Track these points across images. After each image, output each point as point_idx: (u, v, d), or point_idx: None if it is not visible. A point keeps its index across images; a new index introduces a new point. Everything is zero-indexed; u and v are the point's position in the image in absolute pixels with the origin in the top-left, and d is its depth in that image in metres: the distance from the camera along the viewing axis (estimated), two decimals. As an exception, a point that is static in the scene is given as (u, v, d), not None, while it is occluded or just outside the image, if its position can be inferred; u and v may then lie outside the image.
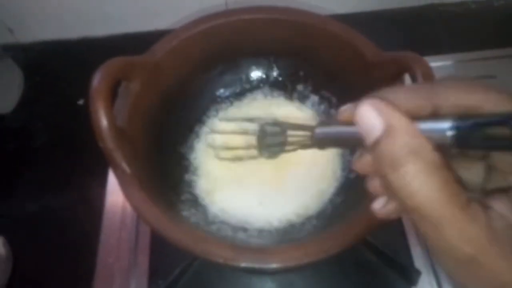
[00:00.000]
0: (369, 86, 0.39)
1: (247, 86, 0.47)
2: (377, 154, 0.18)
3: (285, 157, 0.39)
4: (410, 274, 0.39)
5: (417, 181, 0.17)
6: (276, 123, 0.31)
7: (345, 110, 0.22)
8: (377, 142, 0.18)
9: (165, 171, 0.39)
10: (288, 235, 0.37)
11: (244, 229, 0.37)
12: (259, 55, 0.46)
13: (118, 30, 0.62)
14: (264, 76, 0.47)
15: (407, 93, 0.19)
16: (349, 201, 0.37)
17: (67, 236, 0.47)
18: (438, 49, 0.59)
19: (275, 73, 0.47)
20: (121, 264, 0.43)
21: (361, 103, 0.19)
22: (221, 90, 0.46)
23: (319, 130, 0.25)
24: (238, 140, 0.38)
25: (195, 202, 0.39)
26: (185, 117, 0.44)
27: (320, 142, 0.25)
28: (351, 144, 0.25)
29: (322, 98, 0.45)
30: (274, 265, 0.29)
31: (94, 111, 0.31)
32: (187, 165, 0.42)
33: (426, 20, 0.65)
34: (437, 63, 0.57)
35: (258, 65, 0.47)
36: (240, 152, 0.37)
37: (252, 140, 0.33)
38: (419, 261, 0.41)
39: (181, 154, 0.42)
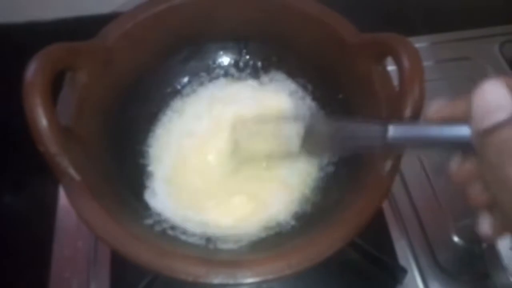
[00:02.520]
0: (347, 71, 0.37)
1: (215, 73, 0.43)
2: (493, 141, 0.15)
3: (258, 159, 0.36)
4: (395, 272, 0.38)
5: None
6: (327, 119, 0.26)
7: (443, 105, 0.19)
8: (498, 126, 0.15)
9: (124, 173, 0.35)
10: (267, 241, 0.33)
11: (216, 237, 0.33)
12: (228, 39, 0.42)
13: (70, 13, 0.56)
14: (233, 62, 0.43)
15: None
16: (329, 200, 0.34)
17: (16, 245, 0.42)
18: (411, 30, 0.57)
19: (245, 59, 0.43)
20: (79, 279, 0.38)
21: (486, 80, 0.16)
22: (185, 79, 0.42)
23: (395, 130, 0.20)
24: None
25: (160, 207, 0.35)
26: (145, 110, 0.39)
27: (394, 146, 0.20)
28: (439, 148, 0.21)
29: (298, 85, 0.42)
30: (250, 280, 0.26)
31: (30, 109, 0.26)
32: (149, 165, 0.38)
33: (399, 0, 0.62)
34: (413, 45, 0.55)
35: (227, 50, 0.42)
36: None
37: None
38: (404, 258, 0.40)
39: (142, 154, 0.38)
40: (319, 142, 0.27)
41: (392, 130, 0.20)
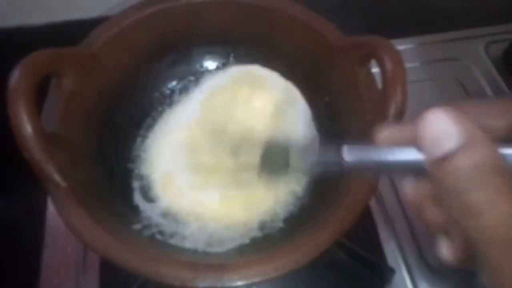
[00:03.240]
0: (333, 74, 0.37)
1: (202, 77, 0.42)
2: (449, 170, 0.15)
3: (246, 160, 0.36)
4: (383, 272, 0.38)
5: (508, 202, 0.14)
6: (282, 142, 0.25)
7: (389, 128, 0.19)
8: (450, 155, 0.15)
9: (112, 178, 0.35)
10: (254, 244, 0.33)
11: (205, 241, 0.33)
12: (215, 43, 0.42)
13: (58, 18, 0.56)
14: (220, 65, 0.43)
15: (480, 107, 0.17)
16: (316, 201, 0.34)
17: (5, 251, 0.41)
18: (399, 32, 0.57)
19: (232, 62, 0.43)
20: (69, 284, 0.38)
21: (430, 110, 0.16)
22: (173, 83, 0.42)
23: (349, 154, 0.19)
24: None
25: (148, 212, 0.35)
26: (132, 115, 0.39)
27: (350, 169, 0.20)
28: (394, 171, 0.21)
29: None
30: (238, 283, 0.26)
31: (14, 116, 0.26)
32: (137, 170, 0.37)
33: (387, 2, 0.63)
34: (400, 47, 0.55)
35: (214, 54, 0.43)
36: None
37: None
38: (392, 258, 0.40)
39: (129, 158, 0.38)
40: (278, 166, 0.26)
41: (347, 154, 0.20)
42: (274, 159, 0.25)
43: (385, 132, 0.19)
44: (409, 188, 0.19)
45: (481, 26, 0.59)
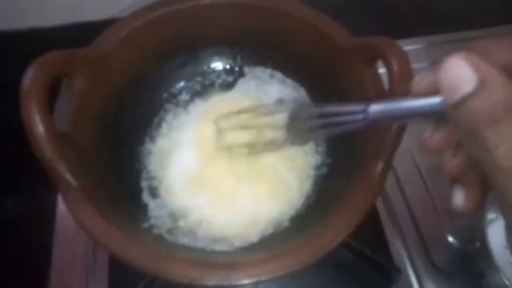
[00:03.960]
0: (339, 74, 0.37)
1: (211, 77, 0.43)
2: (466, 111, 0.17)
3: (255, 158, 0.37)
4: (390, 272, 0.38)
5: None
6: (310, 105, 0.27)
7: (423, 77, 0.20)
8: (467, 97, 0.17)
9: (121, 178, 0.35)
10: (261, 243, 0.34)
11: (212, 240, 0.33)
12: (222, 44, 0.42)
13: (69, 20, 0.56)
14: (228, 66, 0.43)
15: (501, 48, 0.18)
16: (322, 201, 0.35)
17: (15, 249, 0.42)
18: (408, 32, 0.57)
19: (240, 63, 0.43)
20: (78, 283, 0.39)
21: (449, 57, 0.17)
22: (181, 84, 0.42)
23: (375, 108, 0.22)
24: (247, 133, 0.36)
25: (157, 210, 0.35)
26: (141, 115, 0.39)
27: (375, 122, 0.22)
28: (416, 119, 0.23)
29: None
30: (245, 281, 0.26)
31: (27, 116, 0.26)
32: (146, 169, 0.38)
33: (394, 2, 0.62)
34: (407, 47, 0.55)
35: (221, 55, 0.43)
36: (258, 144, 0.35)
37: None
38: (398, 259, 0.40)
39: (138, 158, 0.38)
40: (302, 129, 0.27)
41: (373, 108, 0.22)
42: (298, 125, 0.26)
43: (417, 82, 0.21)
44: (430, 136, 0.21)
45: (489, 26, 0.58)
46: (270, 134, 0.36)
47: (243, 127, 0.36)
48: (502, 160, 0.16)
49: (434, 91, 0.19)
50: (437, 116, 0.20)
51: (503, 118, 0.16)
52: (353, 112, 0.23)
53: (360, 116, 0.23)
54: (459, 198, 0.21)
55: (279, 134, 0.32)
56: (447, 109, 0.18)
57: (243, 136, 0.37)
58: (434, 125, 0.21)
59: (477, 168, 0.21)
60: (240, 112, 0.36)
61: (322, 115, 0.26)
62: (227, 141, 0.37)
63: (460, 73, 0.17)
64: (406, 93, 0.22)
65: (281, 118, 0.32)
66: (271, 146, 0.36)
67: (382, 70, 0.32)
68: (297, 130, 0.28)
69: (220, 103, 0.42)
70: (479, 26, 0.58)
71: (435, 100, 0.19)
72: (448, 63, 0.17)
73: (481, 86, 0.16)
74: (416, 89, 0.21)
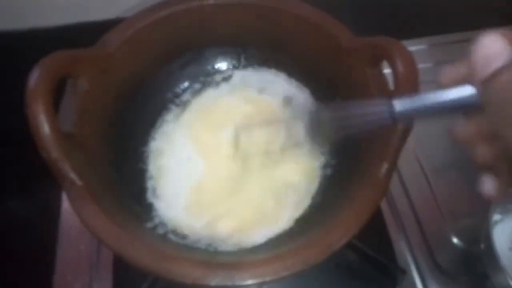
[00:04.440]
0: (343, 74, 0.37)
1: (214, 77, 0.43)
2: (500, 85, 0.17)
3: (262, 159, 0.37)
4: (394, 273, 0.38)
5: None
6: (330, 107, 0.26)
7: (449, 70, 0.20)
8: (502, 70, 0.16)
9: (125, 177, 0.35)
10: (266, 244, 0.34)
11: (217, 241, 0.33)
12: (226, 44, 0.42)
13: (72, 20, 0.56)
14: (231, 66, 0.43)
15: None
16: (327, 202, 0.35)
17: (20, 248, 0.42)
18: (411, 33, 0.57)
19: (244, 63, 0.43)
20: (82, 281, 0.39)
21: (482, 35, 0.18)
22: (185, 84, 0.42)
23: (400, 104, 0.21)
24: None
25: (161, 210, 0.36)
26: (145, 115, 0.39)
27: (400, 118, 0.22)
28: (442, 113, 0.22)
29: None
30: (249, 281, 0.26)
31: (33, 116, 0.27)
32: (151, 169, 0.38)
33: (399, 1, 0.62)
34: (413, 47, 0.55)
35: (225, 55, 0.43)
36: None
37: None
38: (402, 259, 0.40)
39: (142, 158, 0.38)
40: (323, 129, 0.27)
41: (398, 105, 0.21)
42: (319, 124, 0.26)
43: (446, 72, 0.21)
44: (460, 126, 0.21)
45: (494, 26, 0.58)
46: (288, 140, 0.36)
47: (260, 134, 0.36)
48: None
49: (463, 83, 0.19)
50: (465, 109, 0.20)
51: None
52: (377, 113, 0.23)
53: (385, 114, 0.22)
54: (488, 186, 0.21)
55: (297, 137, 0.32)
56: (479, 88, 0.18)
57: (261, 144, 0.37)
58: (464, 116, 0.21)
59: (507, 158, 0.21)
60: (258, 122, 0.37)
61: (345, 117, 0.25)
62: (245, 149, 0.37)
63: (494, 47, 0.17)
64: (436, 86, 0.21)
65: (299, 123, 0.32)
66: (289, 148, 0.36)
67: (387, 70, 0.32)
68: (317, 130, 0.27)
69: (224, 103, 0.42)
70: (482, 27, 0.58)
71: (463, 90, 0.19)
72: (482, 39, 0.18)
73: None
74: (443, 82, 0.21)
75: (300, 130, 0.33)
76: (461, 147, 0.21)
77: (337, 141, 0.35)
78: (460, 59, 0.21)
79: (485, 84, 0.17)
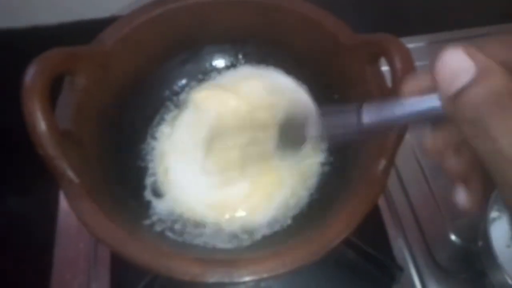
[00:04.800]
0: (342, 72, 0.37)
1: (212, 75, 0.43)
2: (466, 101, 0.16)
3: (258, 157, 0.37)
4: (392, 270, 0.38)
5: None
6: (298, 113, 0.25)
7: (412, 79, 0.20)
8: (467, 86, 0.16)
9: (123, 175, 0.35)
10: (263, 241, 0.34)
11: (214, 238, 0.33)
12: (224, 42, 0.42)
13: (70, 18, 0.56)
14: (229, 64, 0.43)
15: (496, 43, 0.18)
16: (325, 199, 0.35)
17: (18, 247, 0.42)
18: (409, 30, 0.57)
19: (242, 60, 0.43)
20: (80, 280, 0.39)
21: (446, 49, 0.17)
22: (183, 81, 0.42)
23: (368, 114, 0.20)
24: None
25: (159, 208, 0.35)
26: (142, 113, 0.39)
27: (367, 129, 0.21)
28: (413, 122, 0.22)
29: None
30: (247, 278, 0.26)
31: (29, 113, 0.26)
32: (148, 167, 0.38)
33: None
34: (410, 45, 0.54)
35: (223, 53, 0.43)
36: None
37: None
38: (400, 257, 0.40)
39: (140, 155, 0.38)
40: (294, 137, 0.26)
41: (366, 114, 0.21)
42: (289, 134, 0.25)
43: (409, 83, 0.20)
44: (429, 138, 0.20)
45: (492, 24, 0.58)
46: (262, 146, 0.35)
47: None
48: (509, 150, 0.16)
49: (428, 92, 0.19)
50: (435, 117, 0.19)
51: (505, 106, 0.16)
52: (346, 124, 0.22)
53: (354, 126, 0.21)
54: (461, 197, 0.21)
55: (270, 146, 0.31)
56: (446, 104, 0.18)
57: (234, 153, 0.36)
58: (432, 128, 0.21)
59: (479, 168, 0.20)
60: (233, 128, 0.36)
61: (316, 126, 0.25)
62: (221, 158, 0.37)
63: (458, 63, 0.17)
64: (399, 96, 0.21)
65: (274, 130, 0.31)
66: (262, 159, 0.35)
67: (385, 68, 0.32)
68: (288, 139, 0.27)
69: (221, 101, 0.42)
70: (480, 24, 0.58)
71: (431, 99, 0.19)
72: (446, 55, 0.17)
73: (481, 74, 0.16)
74: (407, 92, 0.20)
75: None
76: (431, 159, 0.21)
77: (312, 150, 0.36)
78: (421, 70, 0.21)
79: (454, 100, 0.17)
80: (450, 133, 0.20)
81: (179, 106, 0.41)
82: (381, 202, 0.43)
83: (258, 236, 0.34)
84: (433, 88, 0.18)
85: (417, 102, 0.19)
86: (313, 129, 0.24)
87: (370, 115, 0.21)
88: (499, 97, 0.16)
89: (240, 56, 0.43)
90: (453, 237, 0.41)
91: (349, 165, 0.33)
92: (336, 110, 0.23)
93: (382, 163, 0.29)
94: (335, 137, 0.24)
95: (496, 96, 0.16)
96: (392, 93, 0.30)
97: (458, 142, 0.20)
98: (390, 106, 0.20)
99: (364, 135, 0.21)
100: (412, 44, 0.56)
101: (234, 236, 0.34)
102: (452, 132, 0.20)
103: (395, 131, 0.29)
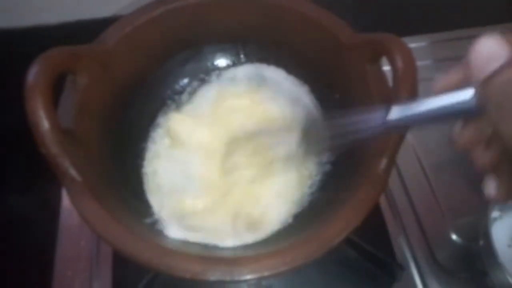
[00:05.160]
0: (343, 71, 0.37)
1: (214, 74, 0.43)
2: (498, 85, 0.17)
3: (259, 158, 0.37)
4: (393, 269, 0.38)
5: None
6: (324, 118, 0.26)
7: (443, 78, 0.21)
8: (499, 71, 0.17)
9: (125, 173, 0.35)
10: (264, 239, 0.34)
11: (215, 236, 0.33)
12: (225, 41, 0.42)
13: (71, 17, 0.56)
14: (231, 63, 0.43)
15: None
16: (326, 198, 0.35)
17: (20, 245, 0.43)
18: (410, 29, 0.57)
19: (243, 60, 0.43)
20: (82, 277, 0.39)
21: (479, 38, 0.18)
22: (184, 80, 0.42)
23: (395, 113, 0.21)
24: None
25: (160, 206, 0.36)
26: (144, 112, 0.39)
27: (395, 127, 0.21)
28: (439, 119, 0.22)
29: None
30: (247, 276, 0.26)
31: (32, 112, 0.27)
32: (149, 165, 0.38)
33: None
34: (411, 44, 0.54)
35: (225, 52, 0.43)
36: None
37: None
38: (401, 256, 0.40)
39: (142, 154, 0.38)
40: (317, 141, 0.27)
41: (393, 113, 0.21)
42: (311, 139, 0.26)
43: (438, 81, 0.21)
44: (459, 133, 0.21)
45: (493, 23, 0.58)
46: (282, 151, 0.36)
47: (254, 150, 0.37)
48: None
49: (459, 88, 0.19)
50: (462, 114, 0.20)
51: None
52: (371, 122, 0.23)
53: (379, 124, 0.22)
54: (491, 188, 0.22)
55: (291, 150, 0.31)
56: (477, 91, 0.18)
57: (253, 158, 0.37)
58: (463, 122, 0.21)
59: (508, 160, 0.21)
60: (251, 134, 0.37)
61: (337, 128, 0.25)
62: (234, 162, 0.37)
63: (490, 50, 0.17)
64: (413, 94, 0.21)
65: (293, 135, 0.31)
66: (285, 162, 0.36)
67: (386, 68, 0.32)
68: (311, 143, 0.27)
69: (223, 101, 0.42)
70: (481, 24, 0.58)
71: (461, 94, 0.19)
72: (479, 43, 0.18)
73: (511, 60, 0.17)
74: (436, 91, 0.21)
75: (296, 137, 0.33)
76: (462, 152, 0.22)
77: (332, 150, 0.36)
78: (452, 68, 0.21)
79: (484, 84, 0.17)
80: (479, 125, 0.20)
81: (180, 105, 0.41)
82: (382, 201, 0.43)
83: (259, 234, 0.34)
84: (463, 83, 0.19)
85: (445, 97, 0.19)
86: (334, 133, 0.24)
87: (397, 112, 0.21)
88: None
89: (241, 56, 0.43)
90: (454, 236, 0.41)
91: (350, 164, 0.33)
92: (359, 111, 0.23)
93: (383, 162, 0.29)
94: (360, 136, 0.24)
95: None
96: (393, 92, 0.30)
97: (487, 135, 0.20)
98: (418, 102, 0.21)
99: (389, 132, 0.22)
100: (413, 44, 0.56)
101: (235, 234, 0.34)
102: (481, 124, 0.20)
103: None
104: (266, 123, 0.39)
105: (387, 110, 0.21)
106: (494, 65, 0.17)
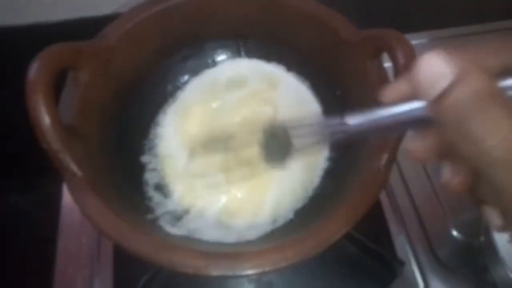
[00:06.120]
0: (345, 68, 0.37)
1: (214, 71, 0.43)
2: (447, 105, 0.16)
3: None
4: (393, 265, 0.38)
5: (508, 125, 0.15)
6: (283, 123, 0.25)
7: (393, 86, 0.20)
8: (447, 91, 0.16)
9: (126, 169, 0.35)
10: (265, 234, 0.34)
11: (217, 232, 0.33)
12: (226, 37, 0.42)
13: (71, 15, 0.56)
14: (232, 59, 0.43)
15: (474, 50, 0.18)
16: (327, 194, 0.35)
17: (21, 242, 0.43)
18: (411, 26, 0.57)
19: (243, 57, 0.43)
20: (83, 274, 0.39)
21: (422, 56, 0.17)
22: (185, 77, 0.42)
23: (354, 121, 0.21)
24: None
25: (161, 202, 0.36)
26: (145, 108, 0.39)
27: (353, 135, 0.21)
28: (395, 129, 0.22)
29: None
30: (249, 271, 0.26)
31: (33, 108, 0.27)
32: (151, 162, 0.38)
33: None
34: (413, 41, 0.54)
35: (226, 48, 0.43)
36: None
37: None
38: (402, 252, 0.40)
39: (143, 149, 0.38)
40: (278, 148, 0.26)
41: (351, 121, 0.21)
42: (275, 142, 0.25)
43: (388, 91, 0.20)
44: (415, 146, 0.20)
45: (494, 20, 0.58)
46: (246, 154, 0.36)
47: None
48: (494, 151, 0.15)
49: (411, 98, 0.19)
50: (420, 122, 0.19)
51: (487, 106, 0.16)
52: (330, 125, 0.22)
53: (339, 129, 0.21)
54: (447, 173, 0.21)
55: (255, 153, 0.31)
56: (429, 109, 0.18)
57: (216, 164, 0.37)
58: (418, 135, 0.21)
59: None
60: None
61: (301, 130, 0.24)
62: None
63: (436, 68, 0.17)
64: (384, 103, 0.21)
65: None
66: (249, 167, 0.35)
67: (388, 64, 0.32)
68: (273, 149, 0.27)
69: (223, 97, 0.42)
70: (482, 21, 0.58)
71: (415, 104, 0.19)
72: (423, 61, 0.17)
73: (459, 77, 0.16)
74: (388, 99, 0.20)
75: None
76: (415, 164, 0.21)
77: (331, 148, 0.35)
78: (397, 79, 0.21)
79: (435, 105, 0.17)
80: (435, 140, 0.20)
81: (181, 101, 0.41)
82: (383, 197, 0.43)
83: (261, 230, 0.34)
84: (411, 96, 0.19)
85: (401, 106, 0.19)
86: (299, 137, 0.24)
87: (355, 118, 0.21)
88: (480, 98, 0.16)
89: (243, 52, 0.43)
90: (454, 233, 0.41)
91: (351, 160, 0.34)
92: (319, 118, 0.23)
93: (384, 158, 0.29)
94: (323, 142, 0.24)
95: (477, 97, 0.16)
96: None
97: (442, 149, 0.20)
98: (374, 111, 0.20)
99: (352, 139, 0.21)
100: (415, 40, 0.55)
101: (237, 230, 0.34)
102: (437, 138, 0.20)
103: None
104: (265, 119, 0.39)
105: (348, 115, 0.21)
106: (442, 83, 0.17)
